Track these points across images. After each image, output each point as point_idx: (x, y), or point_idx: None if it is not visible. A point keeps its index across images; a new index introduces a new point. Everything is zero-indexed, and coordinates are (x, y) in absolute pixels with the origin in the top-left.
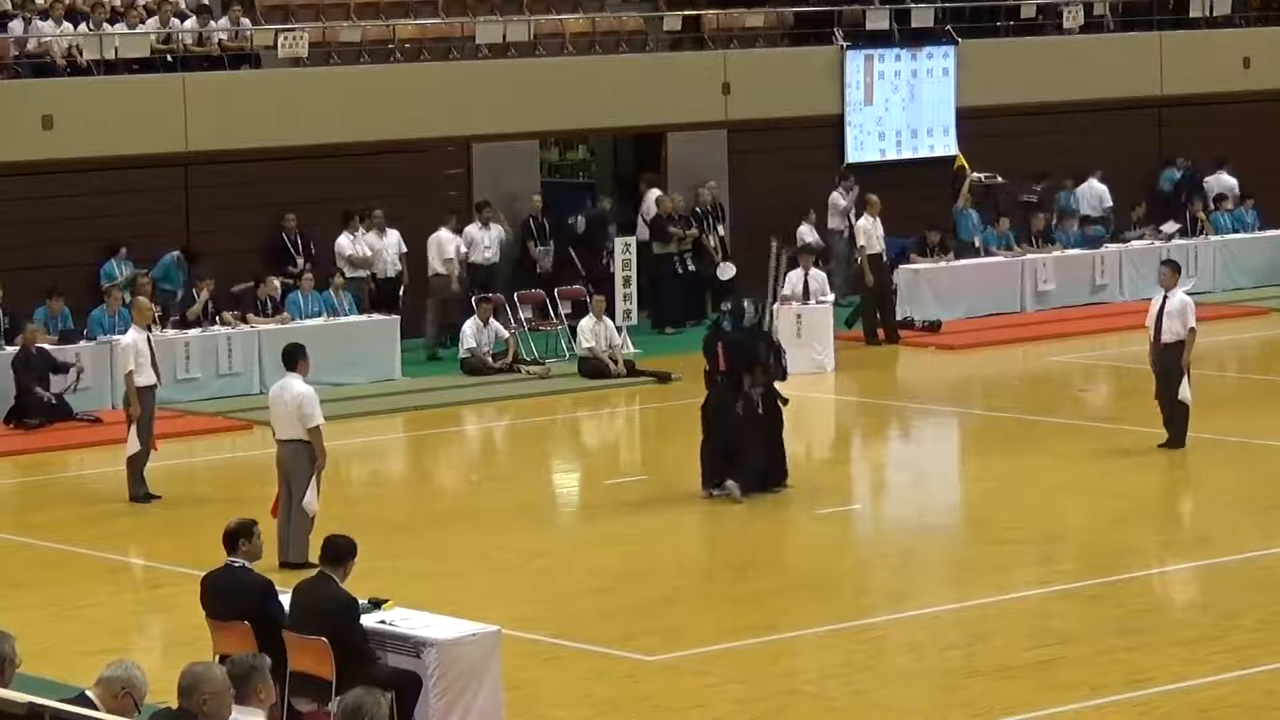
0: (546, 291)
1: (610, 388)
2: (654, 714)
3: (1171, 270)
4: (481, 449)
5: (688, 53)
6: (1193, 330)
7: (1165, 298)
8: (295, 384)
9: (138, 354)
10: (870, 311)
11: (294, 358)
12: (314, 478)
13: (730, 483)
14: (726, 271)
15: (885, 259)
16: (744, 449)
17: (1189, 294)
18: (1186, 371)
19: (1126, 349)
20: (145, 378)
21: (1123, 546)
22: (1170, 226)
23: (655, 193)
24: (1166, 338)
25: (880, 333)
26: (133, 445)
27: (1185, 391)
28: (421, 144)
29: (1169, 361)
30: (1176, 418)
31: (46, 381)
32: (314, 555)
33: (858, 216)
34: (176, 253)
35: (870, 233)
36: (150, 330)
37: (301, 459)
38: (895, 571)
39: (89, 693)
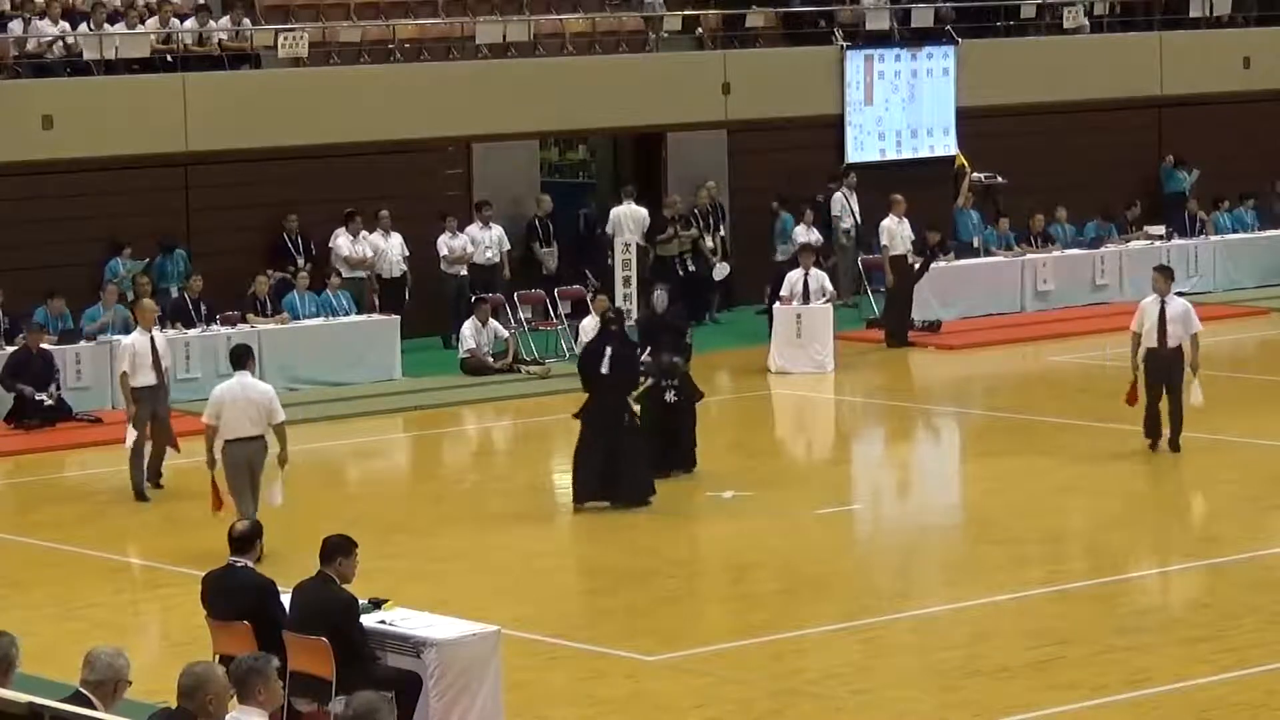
0: (547, 291)
1: None
2: (654, 714)
3: (1164, 276)
4: (481, 449)
5: (688, 53)
6: (1197, 333)
7: (1164, 303)
8: (257, 382)
9: (135, 355)
10: (899, 312)
11: (243, 357)
12: (280, 471)
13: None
14: (721, 272)
15: (910, 259)
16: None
17: (1182, 294)
18: (1195, 374)
19: (1126, 349)
20: (143, 378)
21: (1123, 546)
22: (1156, 229)
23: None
24: (1171, 343)
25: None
26: (129, 437)
27: (1197, 395)
28: (421, 144)
29: (1176, 367)
30: (1176, 421)
31: (43, 384)
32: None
33: (860, 217)
34: (164, 251)
35: (894, 233)
36: (152, 331)
37: (263, 453)
38: (895, 571)
39: (84, 690)
